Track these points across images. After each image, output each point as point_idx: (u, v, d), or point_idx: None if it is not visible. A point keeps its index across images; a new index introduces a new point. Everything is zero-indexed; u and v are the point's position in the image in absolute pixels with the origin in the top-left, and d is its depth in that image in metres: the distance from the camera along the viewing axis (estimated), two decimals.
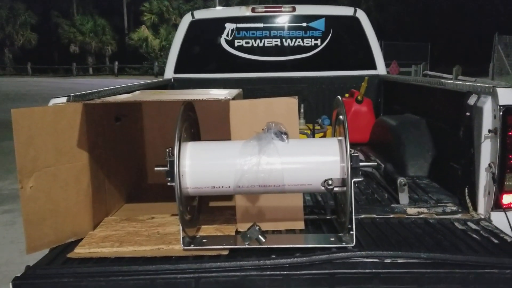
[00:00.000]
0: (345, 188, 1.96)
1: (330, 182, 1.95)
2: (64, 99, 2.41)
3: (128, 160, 2.96)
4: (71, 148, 2.29)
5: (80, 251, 2.13)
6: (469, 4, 27.99)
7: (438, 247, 2.05)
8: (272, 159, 1.96)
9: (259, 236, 2.03)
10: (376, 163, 2.07)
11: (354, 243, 2.01)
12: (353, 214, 1.97)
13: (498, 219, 2.44)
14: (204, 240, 2.15)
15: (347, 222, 1.96)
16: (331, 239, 2.10)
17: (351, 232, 2.02)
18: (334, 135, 2.30)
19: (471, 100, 2.58)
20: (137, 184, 3.12)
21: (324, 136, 4.55)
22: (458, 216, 2.51)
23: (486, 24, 24.58)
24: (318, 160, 2.01)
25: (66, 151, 2.26)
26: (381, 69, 4.99)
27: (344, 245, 2.02)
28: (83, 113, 2.33)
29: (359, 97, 4.51)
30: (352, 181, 1.89)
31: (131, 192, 2.98)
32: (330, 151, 1.99)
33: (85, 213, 2.36)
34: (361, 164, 1.97)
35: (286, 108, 2.23)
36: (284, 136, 2.00)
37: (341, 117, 2.05)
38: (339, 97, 2.11)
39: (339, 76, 4.99)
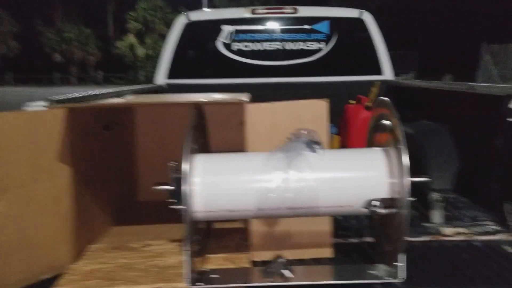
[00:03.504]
0: (394, 210, 1.58)
1: (376, 203, 1.56)
2: (43, 103, 2.00)
3: (117, 175, 2.55)
4: (50, 163, 1.89)
5: None
6: (456, 14, 28.23)
7: (500, 280, 1.71)
8: (304, 174, 1.58)
9: (286, 272, 1.63)
10: (429, 179, 1.70)
11: (405, 277, 1.63)
12: (405, 242, 1.58)
13: None
14: (214, 276, 1.74)
15: (399, 253, 1.57)
16: (370, 271, 1.71)
17: (400, 264, 1.64)
18: (370, 144, 1.91)
19: None
20: (126, 202, 2.70)
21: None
22: (502, 236, 2.22)
23: (474, 33, 24.72)
24: (362, 176, 1.63)
25: (43, 166, 1.87)
26: (388, 74, 4.68)
27: (391, 280, 1.63)
28: (65, 120, 1.93)
29: (368, 104, 4.16)
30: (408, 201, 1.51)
31: (120, 212, 2.57)
32: (375, 164, 1.61)
33: (65, 242, 1.95)
34: (412, 179, 1.59)
35: (314, 112, 1.87)
36: (317, 147, 1.62)
37: (386, 122, 1.67)
38: (385, 98, 1.74)
39: (344, 82, 4.66)
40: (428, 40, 28.82)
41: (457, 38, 27.37)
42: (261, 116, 1.88)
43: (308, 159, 1.59)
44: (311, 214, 1.64)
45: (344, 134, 4.38)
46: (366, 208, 1.59)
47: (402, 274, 1.65)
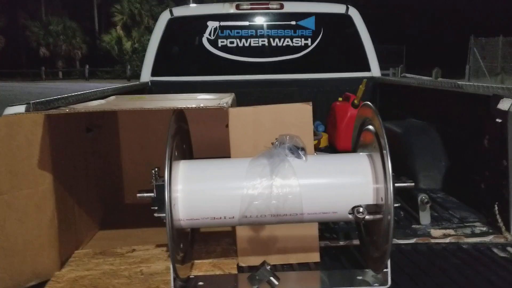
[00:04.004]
0: (379, 216, 1.57)
1: (360, 209, 1.56)
2: (22, 108, 1.95)
3: (101, 178, 2.51)
4: (31, 170, 1.84)
5: None
6: (444, 7, 28.33)
7: (490, 285, 1.69)
8: (287, 181, 1.56)
9: (271, 278, 1.62)
10: (413, 184, 1.68)
11: (389, 283, 1.63)
12: (390, 248, 1.58)
13: None
14: (200, 283, 1.72)
15: (385, 259, 1.56)
16: (358, 277, 1.71)
17: (385, 270, 1.63)
18: (354, 147, 1.90)
19: (503, 105, 2.24)
20: (112, 205, 2.67)
21: (319, 143, 4.19)
22: (491, 238, 2.20)
23: (461, 26, 24.83)
24: (346, 182, 1.61)
25: (24, 173, 1.82)
26: (375, 71, 4.65)
27: (377, 286, 1.63)
28: (45, 124, 1.88)
29: (355, 101, 4.15)
30: (393, 207, 1.50)
31: (105, 215, 2.53)
32: (359, 170, 1.60)
33: (49, 249, 1.91)
34: (396, 185, 1.58)
35: (299, 116, 1.84)
36: (301, 153, 1.60)
37: (370, 127, 1.66)
38: (369, 103, 1.72)
39: (331, 79, 4.63)
40: (416, 34, 28.90)
41: (445, 31, 27.48)
42: (244, 120, 1.84)
43: (292, 165, 1.57)
44: (296, 221, 1.62)
45: (331, 132, 4.38)
46: (350, 214, 1.59)
47: (384, 280, 1.64)
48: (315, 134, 4.23)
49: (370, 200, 1.58)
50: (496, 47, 19.41)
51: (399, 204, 1.59)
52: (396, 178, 1.60)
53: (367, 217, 1.58)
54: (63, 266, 1.95)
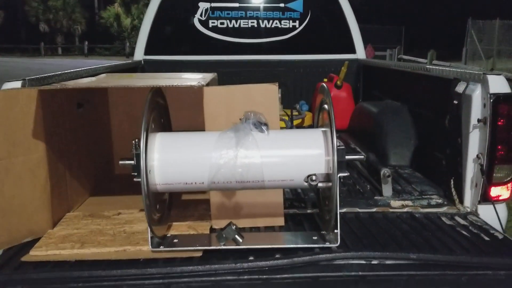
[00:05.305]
0: (330, 184, 1.80)
1: (313, 177, 1.78)
2: (19, 83, 2.16)
3: (92, 149, 2.72)
4: (26, 139, 2.05)
5: (36, 253, 1.92)
6: None
7: (428, 246, 1.92)
8: (250, 152, 1.78)
9: (236, 236, 1.86)
10: (363, 157, 1.90)
11: (338, 242, 1.86)
12: (338, 212, 1.81)
13: (485, 213, 2.35)
14: (175, 240, 1.96)
15: (332, 221, 1.80)
16: (314, 237, 1.95)
17: (336, 230, 1.87)
18: (317, 124, 2.13)
19: (460, 88, 2.45)
20: (103, 175, 2.89)
21: (303, 122, 4.40)
22: (444, 209, 2.41)
23: (459, 8, 24.75)
24: (301, 154, 1.83)
25: (19, 142, 2.03)
26: (360, 53, 4.83)
27: (328, 245, 1.86)
28: (39, 99, 2.08)
29: (338, 82, 4.36)
30: (338, 176, 1.73)
31: (96, 184, 2.76)
32: (314, 143, 1.82)
33: (43, 210, 2.14)
34: (347, 157, 1.80)
35: (266, 95, 2.04)
36: (264, 127, 1.82)
37: (326, 106, 1.87)
38: (324, 84, 1.93)
39: (317, 60, 4.81)
40: (416, 14, 28.76)
41: (445, 12, 27.36)
42: (217, 98, 2.05)
43: (255, 138, 1.78)
44: (258, 187, 1.84)
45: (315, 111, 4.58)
46: (305, 182, 1.81)
47: (335, 239, 1.87)
48: (299, 113, 4.44)
49: (322, 170, 1.80)
50: (493, 30, 19.42)
51: (347, 173, 1.81)
52: (357, 154, 1.85)
53: (319, 184, 1.80)
54: (55, 226, 2.19)
